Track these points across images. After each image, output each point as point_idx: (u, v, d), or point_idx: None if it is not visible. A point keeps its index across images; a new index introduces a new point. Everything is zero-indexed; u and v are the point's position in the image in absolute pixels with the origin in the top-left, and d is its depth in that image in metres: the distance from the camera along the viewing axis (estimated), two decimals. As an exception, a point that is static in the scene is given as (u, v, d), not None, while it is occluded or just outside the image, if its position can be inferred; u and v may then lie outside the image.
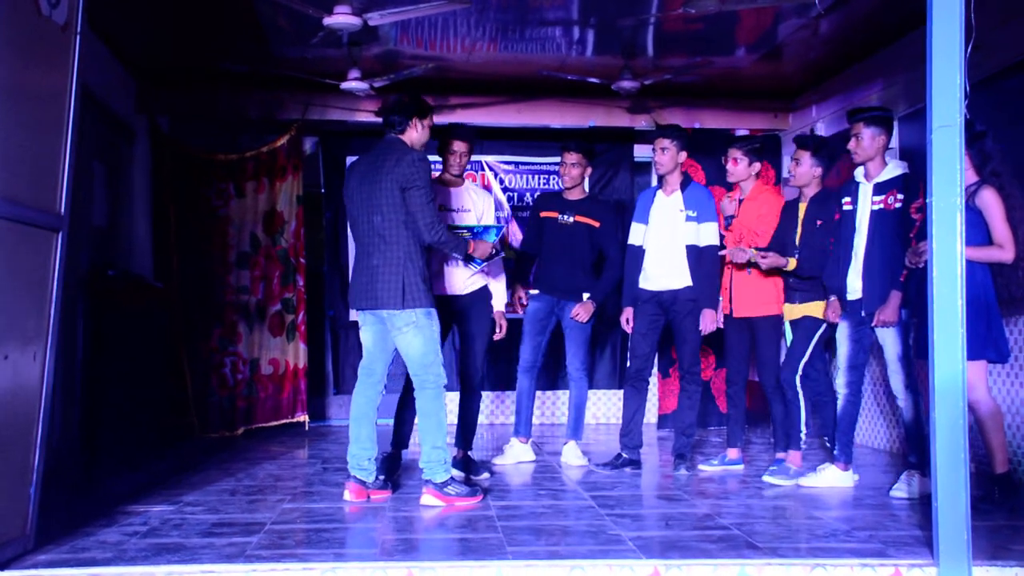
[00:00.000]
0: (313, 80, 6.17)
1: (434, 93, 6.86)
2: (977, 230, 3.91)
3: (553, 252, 5.24)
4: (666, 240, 4.91)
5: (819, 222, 4.59)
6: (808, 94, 6.82)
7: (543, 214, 5.31)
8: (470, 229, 4.53)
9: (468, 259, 4.47)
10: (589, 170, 5.39)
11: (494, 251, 4.45)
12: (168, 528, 3.57)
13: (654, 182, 7.29)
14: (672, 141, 4.94)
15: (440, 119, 7.04)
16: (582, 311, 5.14)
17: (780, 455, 4.84)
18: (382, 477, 4.25)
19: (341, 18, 4.74)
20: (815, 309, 4.64)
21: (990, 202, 3.94)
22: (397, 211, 4.01)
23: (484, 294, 4.85)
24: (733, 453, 5.08)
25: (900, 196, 4.26)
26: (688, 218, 4.92)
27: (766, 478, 4.66)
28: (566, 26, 5.54)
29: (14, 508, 3.10)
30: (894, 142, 5.79)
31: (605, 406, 7.55)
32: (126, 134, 6.40)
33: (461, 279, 4.75)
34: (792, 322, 4.80)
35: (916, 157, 5.26)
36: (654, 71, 6.09)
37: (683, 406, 5.06)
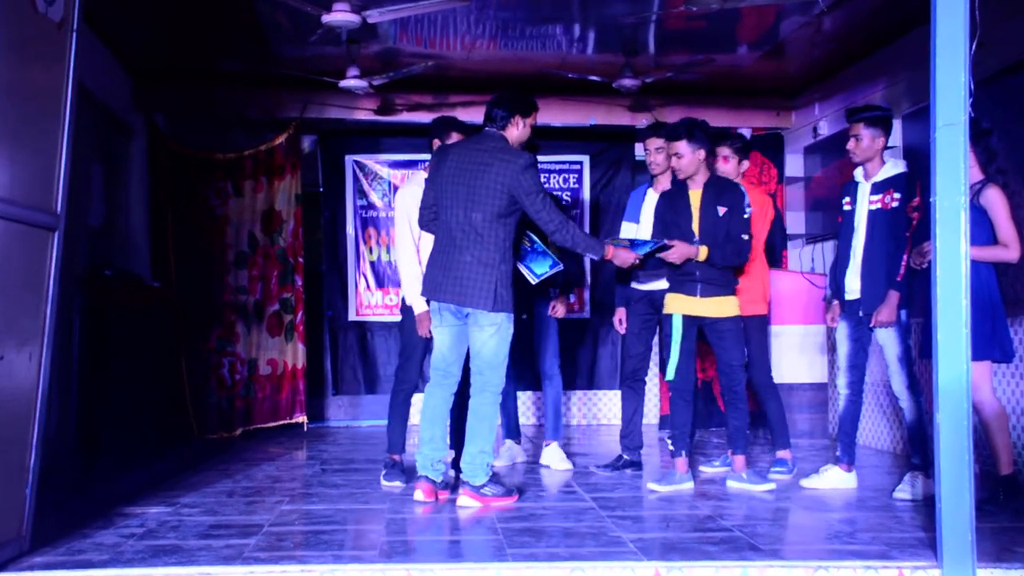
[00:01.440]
0: (312, 78, 6.16)
1: (434, 91, 6.86)
2: (982, 229, 3.89)
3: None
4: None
5: (723, 209, 4.43)
6: (810, 92, 6.81)
7: None
8: (631, 241, 4.48)
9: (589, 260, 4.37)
10: None
11: (636, 262, 4.37)
12: (165, 530, 3.56)
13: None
14: (667, 141, 4.91)
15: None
16: (560, 306, 5.12)
17: (781, 454, 4.82)
18: (451, 474, 4.27)
19: (340, 15, 4.73)
20: (732, 307, 4.48)
21: (995, 201, 3.92)
22: (497, 211, 3.99)
23: None
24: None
25: (897, 195, 4.22)
26: None
27: (732, 484, 4.54)
28: (567, 24, 5.53)
29: (10, 509, 3.09)
30: (897, 141, 5.79)
31: (606, 406, 7.53)
32: (123, 132, 6.38)
33: None
34: (695, 320, 4.45)
35: (920, 156, 5.25)
36: (655, 69, 6.08)
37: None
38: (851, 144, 4.32)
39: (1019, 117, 4.55)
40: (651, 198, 5.01)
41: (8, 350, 3.00)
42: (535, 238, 4.51)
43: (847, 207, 4.41)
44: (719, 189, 4.50)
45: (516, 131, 4.17)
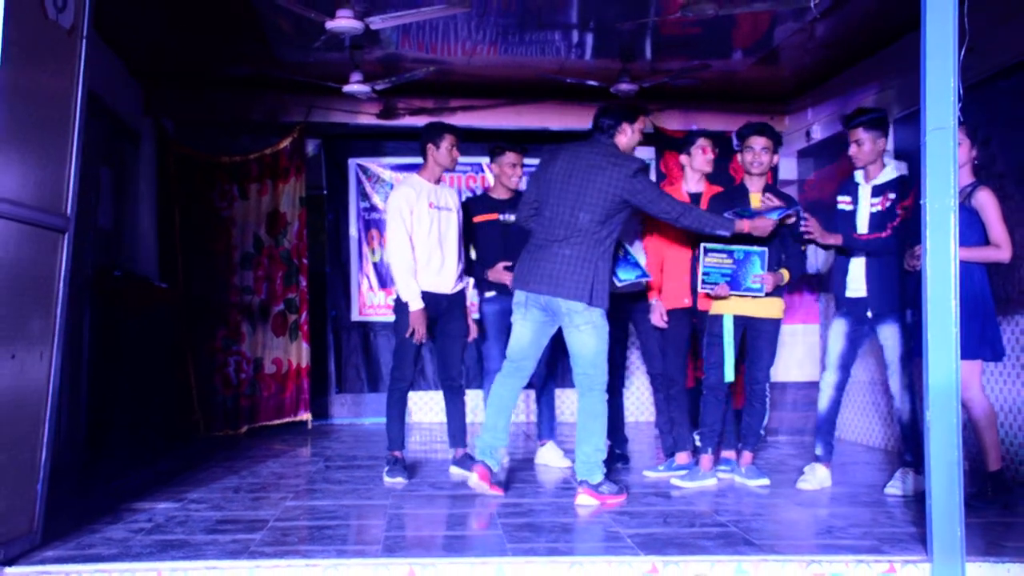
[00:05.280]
0: (315, 83, 6.21)
1: (435, 96, 6.92)
2: (973, 231, 3.93)
3: (500, 254, 5.04)
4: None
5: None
6: (804, 97, 6.85)
7: (477, 219, 5.14)
8: (751, 211, 4.38)
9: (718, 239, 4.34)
10: None
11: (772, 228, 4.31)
12: (173, 525, 3.59)
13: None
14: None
15: (441, 121, 7.10)
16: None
17: (728, 454, 4.78)
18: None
19: (343, 22, 4.77)
20: (778, 309, 4.51)
21: (986, 202, 3.95)
22: (603, 213, 4.03)
23: (463, 295, 4.87)
24: (682, 458, 4.78)
25: (891, 196, 4.25)
26: None
27: (735, 479, 4.61)
28: (565, 30, 5.57)
29: (22, 505, 3.13)
30: (889, 144, 5.82)
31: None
32: (132, 137, 6.44)
33: (452, 278, 4.75)
34: (743, 319, 4.48)
35: (911, 160, 5.29)
36: (652, 74, 6.13)
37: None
38: (853, 150, 4.30)
39: (1009, 122, 4.60)
40: None
41: (19, 350, 3.04)
42: (628, 248, 4.54)
43: (847, 206, 4.38)
44: (777, 196, 4.51)
45: (625, 138, 4.23)
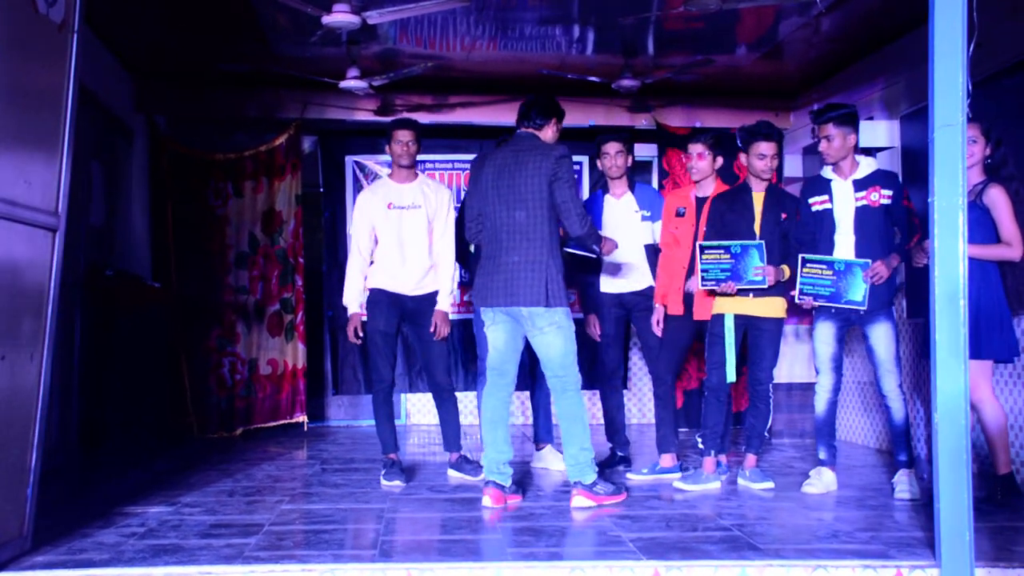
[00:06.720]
0: (312, 79, 6.16)
1: (433, 92, 6.87)
2: (984, 229, 3.90)
3: None
4: (625, 242, 4.85)
5: (783, 215, 4.45)
6: (809, 92, 6.81)
7: None
8: (731, 252, 4.38)
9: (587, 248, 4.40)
10: None
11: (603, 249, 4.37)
12: (166, 529, 3.56)
13: (654, 182, 7.31)
14: (623, 144, 4.94)
15: (440, 118, 7.05)
16: None
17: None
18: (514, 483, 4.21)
19: (340, 16, 4.73)
20: (780, 308, 4.48)
21: (998, 199, 3.91)
22: (542, 207, 3.99)
23: (434, 298, 4.78)
24: (667, 460, 4.77)
25: (886, 192, 4.19)
26: (644, 218, 4.95)
27: (739, 481, 4.55)
28: (566, 24, 5.53)
29: (11, 509, 3.09)
30: (896, 141, 5.79)
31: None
32: (124, 133, 6.39)
33: (413, 279, 4.69)
34: (745, 319, 4.45)
35: (919, 156, 5.23)
36: (655, 70, 6.09)
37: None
38: (823, 146, 4.26)
39: (1018, 118, 4.54)
40: (611, 204, 5.02)
41: (9, 350, 3.00)
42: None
43: (824, 205, 4.31)
44: (780, 196, 4.52)
45: (551, 132, 4.21)
